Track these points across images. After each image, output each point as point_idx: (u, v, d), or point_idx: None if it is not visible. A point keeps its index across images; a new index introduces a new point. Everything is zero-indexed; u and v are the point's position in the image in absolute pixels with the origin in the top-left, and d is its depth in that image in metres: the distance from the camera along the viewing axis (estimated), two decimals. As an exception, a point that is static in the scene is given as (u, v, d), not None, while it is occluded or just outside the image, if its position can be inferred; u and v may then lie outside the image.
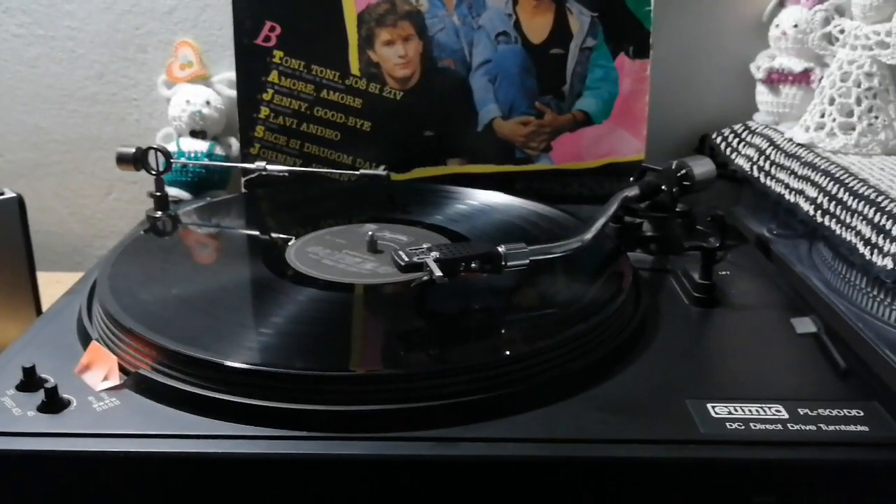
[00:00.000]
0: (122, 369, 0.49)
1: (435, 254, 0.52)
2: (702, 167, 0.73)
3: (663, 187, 0.71)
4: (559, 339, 0.50)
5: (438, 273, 0.51)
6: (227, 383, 0.46)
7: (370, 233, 0.64)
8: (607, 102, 0.84)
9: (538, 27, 0.82)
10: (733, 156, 0.82)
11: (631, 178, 0.71)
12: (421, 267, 0.52)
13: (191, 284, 0.58)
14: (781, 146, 0.76)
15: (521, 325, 0.55)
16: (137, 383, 0.48)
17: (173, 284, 0.58)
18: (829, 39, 0.76)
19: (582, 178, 0.85)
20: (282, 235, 0.67)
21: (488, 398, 0.46)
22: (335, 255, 0.63)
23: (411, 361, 0.51)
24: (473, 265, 0.53)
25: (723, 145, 0.84)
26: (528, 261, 0.55)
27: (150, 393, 0.47)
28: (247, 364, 0.46)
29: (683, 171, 0.72)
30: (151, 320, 0.51)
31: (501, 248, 0.54)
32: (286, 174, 0.78)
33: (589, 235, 0.61)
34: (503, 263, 0.54)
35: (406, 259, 0.52)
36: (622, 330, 0.54)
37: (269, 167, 0.75)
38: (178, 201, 0.82)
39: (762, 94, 0.84)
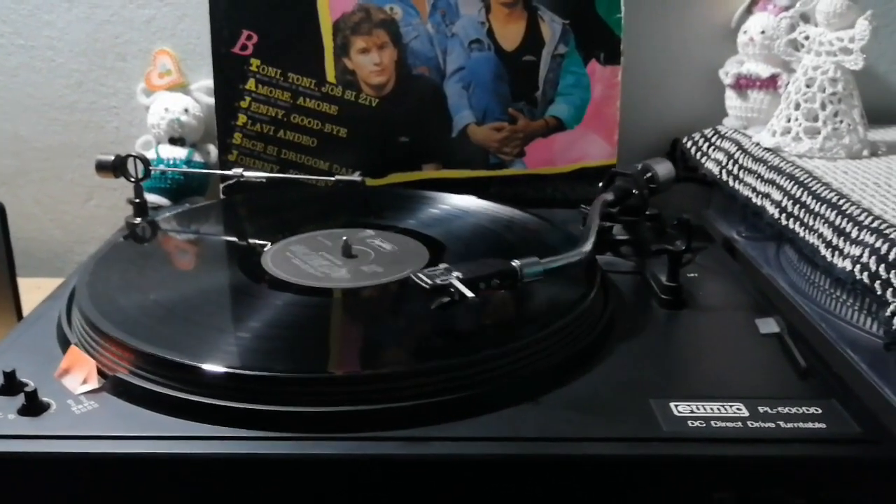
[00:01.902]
0: (100, 373, 0.50)
1: (457, 274, 0.51)
2: (664, 168, 0.75)
3: (634, 191, 0.72)
4: (527, 341, 0.52)
5: (470, 294, 0.50)
6: (204, 386, 0.47)
7: (344, 238, 0.65)
8: (579, 108, 0.85)
9: (511, 35, 0.84)
10: (703, 160, 0.84)
11: (600, 184, 0.72)
12: (446, 289, 0.51)
13: (169, 290, 0.59)
14: (749, 150, 0.78)
15: (489, 326, 0.56)
16: (115, 387, 0.49)
17: (152, 290, 0.59)
18: (795, 46, 0.77)
19: (555, 183, 0.87)
20: (259, 241, 0.69)
21: (458, 398, 0.48)
22: (311, 260, 0.64)
23: (382, 363, 0.52)
24: (493, 282, 0.53)
25: (693, 150, 0.86)
26: (542, 274, 0.56)
27: (128, 396, 0.48)
28: (223, 367, 0.48)
29: (649, 174, 0.74)
30: (130, 325, 0.52)
31: (516, 263, 0.55)
32: (263, 180, 0.79)
33: (588, 247, 0.61)
34: (520, 278, 0.55)
35: (429, 282, 0.51)
36: (589, 331, 0.56)
37: (247, 174, 0.76)
38: (158, 207, 0.83)
39: (731, 99, 0.86)
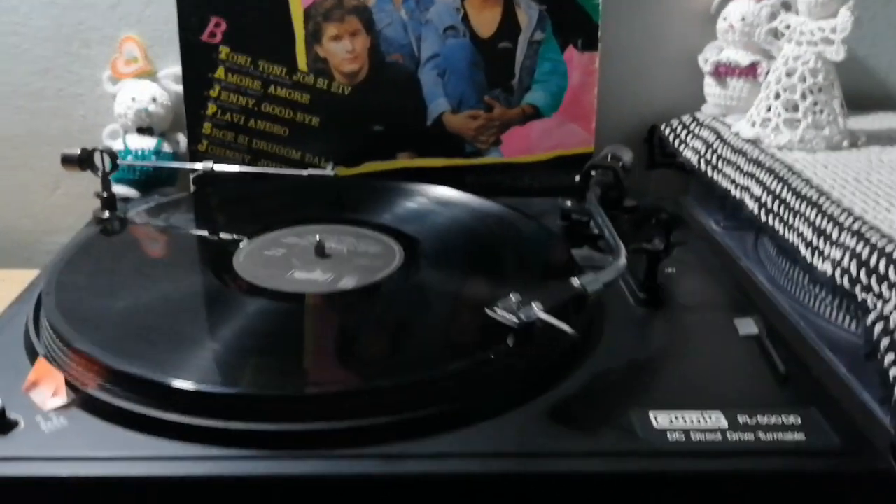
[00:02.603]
0: (70, 386, 0.49)
1: (538, 304, 0.49)
2: (629, 155, 0.75)
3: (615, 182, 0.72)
4: (502, 351, 0.50)
5: (570, 329, 0.48)
6: (176, 404, 0.46)
7: (317, 237, 0.64)
8: (556, 95, 0.84)
9: (486, 21, 0.82)
10: (681, 148, 0.83)
11: (577, 178, 0.71)
12: (533, 325, 0.49)
13: (138, 297, 0.58)
14: (728, 140, 0.77)
15: (464, 336, 0.55)
16: (85, 403, 0.48)
17: (121, 297, 0.58)
18: (776, 34, 0.76)
19: (532, 171, 0.86)
20: (233, 236, 0.67)
21: (434, 414, 0.47)
22: (284, 262, 0.62)
23: (357, 378, 0.51)
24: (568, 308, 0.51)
25: (671, 137, 0.85)
26: (602, 291, 0.54)
27: (98, 412, 0.47)
28: (194, 384, 0.46)
29: (621, 163, 0.73)
30: (98, 337, 0.51)
31: (577, 283, 0.53)
32: (234, 173, 0.77)
33: (623, 259, 0.57)
34: (587, 298, 0.53)
35: (515, 319, 0.48)
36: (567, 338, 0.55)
37: (216, 167, 0.74)
38: (127, 199, 0.81)
39: (710, 86, 0.85)
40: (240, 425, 0.45)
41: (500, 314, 0.48)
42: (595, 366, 0.53)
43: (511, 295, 0.49)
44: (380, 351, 0.54)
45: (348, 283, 0.60)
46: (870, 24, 0.88)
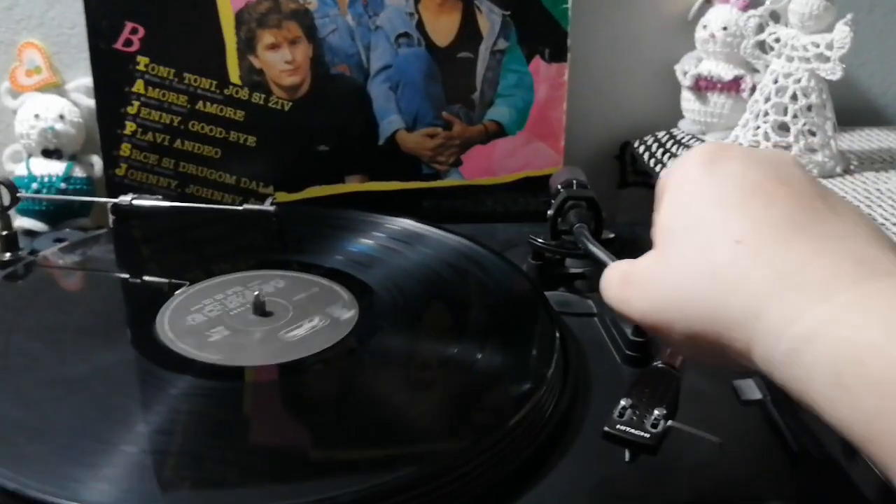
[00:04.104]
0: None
1: (661, 411, 0.42)
2: (582, 175, 0.67)
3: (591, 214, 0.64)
4: (471, 449, 0.43)
5: (717, 439, 0.42)
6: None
7: (256, 293, 0.55)
8: (522, 111, 0.76)
9: (444, 28, 0.73)
10: (656, 167, 0.76)
11: (549, 213, 0.63)
12: (665, 436, 0.42)
13: (41, 380, 0.48)
14: (711, 164, 0.70)
15: (423, 428, 0.47)
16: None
17: (20, 381, 0.48)
18: (763, 48, 0.69)
19: (496, 194, 0.78)
20: (161, 280, 0.59)
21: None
22: (217, 320, 0.54)
23: (294, 491, 0.42)
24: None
25: (645, 155, 0.78)
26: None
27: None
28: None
29: (587, 189, 0.66)
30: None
31: (660, 364, 0.46)
32: (160, 198, 0.67)
33: None
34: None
35: (648, 436, 0.41)
36: (548, 421, 0.47)
37: (136, 202, 0.64)
38: (33, 234, 0.71)
39: (688, 101, 0.78)
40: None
41: (625, 431, 0.41)
42: (578, 454, 0.45)
43: (622, 401, 0.42)
44: (321, 454, 0.45)
45: (295, 350, 0.51)
46: (855, 34, 0.81)
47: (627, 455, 0.43)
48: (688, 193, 0.39)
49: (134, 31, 0.70)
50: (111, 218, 0.72)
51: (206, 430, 0.46)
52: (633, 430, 0.41)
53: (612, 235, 0.67)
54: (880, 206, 0.63)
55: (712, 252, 0.36)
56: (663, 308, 0.39)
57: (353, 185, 0.76)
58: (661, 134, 0.79)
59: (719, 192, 0.38)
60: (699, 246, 0.37)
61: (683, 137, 0.76)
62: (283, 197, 0.74)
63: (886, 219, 0.60)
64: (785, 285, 0.33)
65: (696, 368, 0.54)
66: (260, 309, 0.55)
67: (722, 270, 0.35)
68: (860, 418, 0.29)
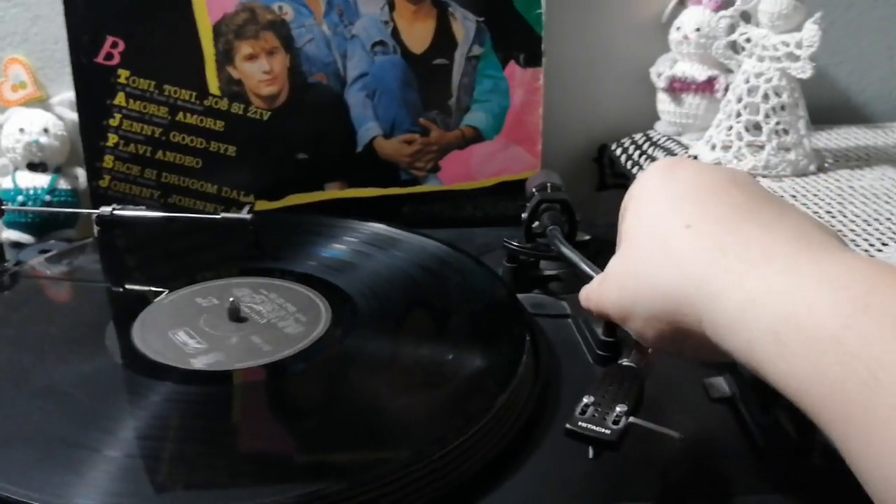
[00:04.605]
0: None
1: (622, 407, 0.42)
2: (558, 179, 0.68)
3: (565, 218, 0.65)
4: (436, 450, 0.43)
5: (677, 434, 0.42)
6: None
7: (231, 299, 0.56)
8: (498, 116, 0.76)
9: (419, 35, 0.74)
10: (634, 169, 0.77)
11: (523, 216, 0.64)
12: (628, 432, 0.42)
13: (26, 389, 0.49)
14: (686, 164, 0.70)
15: (391, 427, 0.48)
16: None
17: (5, 388, 0.49)
18: (735, 48, 0.70)
19: (474, 199, 0.78)
20: (141, 288, 0.60)
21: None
22: (193, 327, 0.54)
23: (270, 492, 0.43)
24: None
25: (623, 157, 0.79)
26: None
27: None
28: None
29: (560, 192, 0.66)
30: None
31: (626, 362, 0.47)
32: (143, 208, 0.68)
33: None
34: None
35: (608, 432, 0.42)
36: (516, 420, 0.48)
37: (118, 212, 0.65)
38: (19, 246, 0.72)
39: (664, 102, 0.78)
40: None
41: (587, 428, 0.42)
42: (547, 452, 0.46)
43: (584, 399, 0.43)
44: (296, 453, 0.46)
45: (266, 354, 0.52)
46: (829, 31, 0.81)
47: (591, 452, 0.43)
48: (646, 198, 0.42)
49: (114, 45, 0.71)
50: (96, 229, 0.73)
51: (187, 435, 0.46)
52: (594, 427, 0.42)
53: (587, 237, 0.68)
54: (852, 202, 0.63)
55: (665, 240, 0.39)
56: (626, 296, 0.42)
57: (332, 193, 0.77)
58: (637, 136, 0.79)
59: (675, 191, 0.41)
60: (654, 237, 0.40)
61: (660, 139, 0.77)
62: (263, 205, 0.75)
63: (857, 215, 0.61)
64: (729, 258, 0.35)
65: (667, 366, 0.55)
66: (235, 315, 0.56)
67: (673, 253, 0.38)
68: (797, 374, 0.31)
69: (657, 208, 0.41)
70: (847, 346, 0.29)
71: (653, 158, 0.75)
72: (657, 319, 0.39)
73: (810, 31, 0.65)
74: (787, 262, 0.33)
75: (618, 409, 0.43)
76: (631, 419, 0.43)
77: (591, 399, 0.43)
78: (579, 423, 0.42)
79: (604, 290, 0.44)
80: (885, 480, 0.27)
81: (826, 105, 0.82)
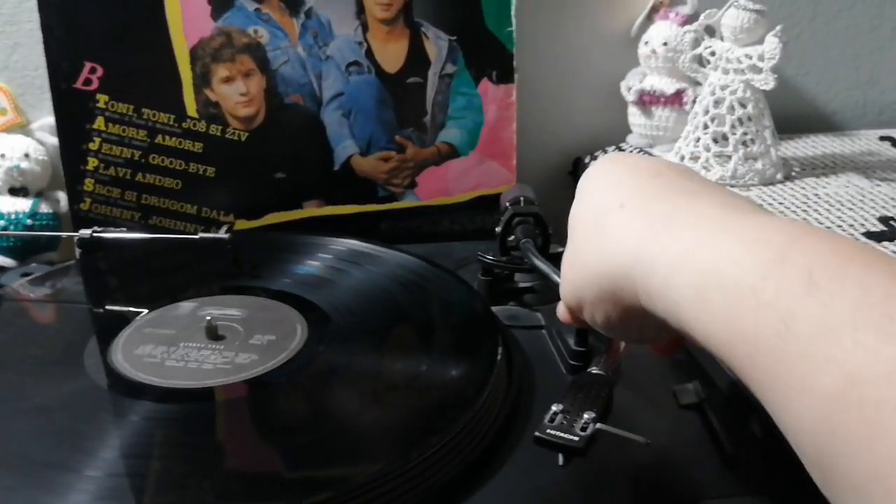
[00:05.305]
0: None
1: (590, 414, 0.44)
2: (530, 192, 0.69)
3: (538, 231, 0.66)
4: (406, 462, 0.44)
5: (644, 440, 0.44)
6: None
7: (208, 318, 0.57)
8: (472, 132, 0.78)
9: (392, 55, 0.76)
10: (608, 181, 0.78)
11: (497, 230, 0.65)
12: (594, 438, 0.43)
13: (7, 409, 0.50)
14: (656, 176, 0.72)
15: (359, 442, 0.48)
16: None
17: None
18: (700, 62, 0.71)
19: (451, 214, 0.80)
20: (121, 308, 0.61)
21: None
22: (172, 345, 0.55)
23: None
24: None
25: (597, 169, 0.80)
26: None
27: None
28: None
29: (533, 205, 0.67)
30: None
31: (595, 370, 0.49)
32: (124, 230, 0.69)
33: None
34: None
35: (577, 439, 0.43)
36: (490, 428, 0.49)
37: (97, 234, 0.66)
38: (2, 269, 0.72)
39: (634, 115, 0.80)
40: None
41: (555, 435, 0.43)
42: (518, 461, 0.47)
43: (553, 407, 0.44)
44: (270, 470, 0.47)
45: (245, 370, 0.53)
46: (796, 42, 0.83)
47: (561, 459, 0.44)
48: (587, 189, 0.44)
49: (93, 71, 0.72)
50: (77, 251, 0.74)
51: (168, 452, 0.47)
52: (562, 434, 0.43)
53: (560, 249, 0.69)
54: (816, 209, 0.64)
55: (601, 221, 0.40)
56: (575, 283, 0.42)
57: (311, 211, 0.78)
58: (609, 149, 0.81)
59: (613, 179, 0.42)
60: (593, 221, 0.41)
61: (632, 151, 0.78)
62: (243, 224, 0.76)
63: (821, 222, 0.62)
64: (657, 227, 0.36)
65: (638, 373, 0.56)
66: (213, 333, 0.57)
67: (608, 233, 0.39)
68: (717, 328, 0.31)
69: (596, 195, 0.42)
70: (762, 297, 0.29)
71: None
72: (602, 301, 0.40)
73: (771, 44, 0.66)
74: (713, 223, 0.34)
75: (585, 416, 0.44)
76: (598, 426, 0.44)
77: (560, 407, 0.45)
78: (547, 431, 0.43)
79: (562, 286, 0.45)
80: (795, 425, 0.28)
81: (794, 115, 0.84)
